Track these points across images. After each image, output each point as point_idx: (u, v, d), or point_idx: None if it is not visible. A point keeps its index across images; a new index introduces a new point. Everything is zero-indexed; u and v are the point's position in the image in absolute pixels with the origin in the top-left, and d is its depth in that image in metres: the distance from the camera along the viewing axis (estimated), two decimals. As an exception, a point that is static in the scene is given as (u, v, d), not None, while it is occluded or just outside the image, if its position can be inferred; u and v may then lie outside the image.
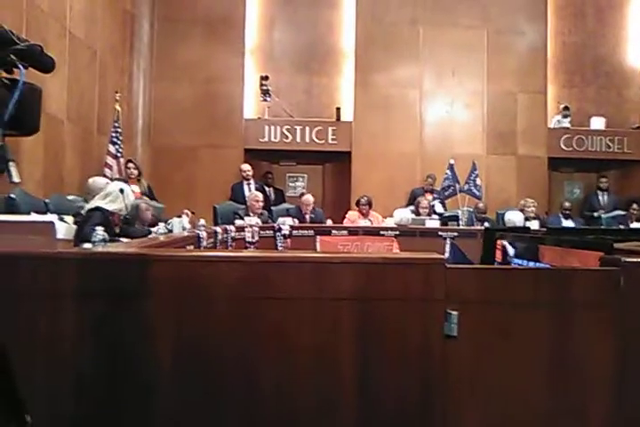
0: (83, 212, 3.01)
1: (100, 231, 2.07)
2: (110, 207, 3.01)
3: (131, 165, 6.26)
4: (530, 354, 1.74)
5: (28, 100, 1.04)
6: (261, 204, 5.96)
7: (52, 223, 1.90)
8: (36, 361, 1.39)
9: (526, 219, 6.18)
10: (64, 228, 1.99)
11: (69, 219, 2.35)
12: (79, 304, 1.65)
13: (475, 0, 8.18)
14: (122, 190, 3.12)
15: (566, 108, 8.28)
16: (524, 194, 7.41)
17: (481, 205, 6.90)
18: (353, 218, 6.36)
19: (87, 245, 2.16)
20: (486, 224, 6.17)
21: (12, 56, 1.00)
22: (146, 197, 5.84)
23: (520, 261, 2.95)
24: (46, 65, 1.12)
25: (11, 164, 0.93)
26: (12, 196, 3.90)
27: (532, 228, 4.83)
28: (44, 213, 2.70)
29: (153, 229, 3.86)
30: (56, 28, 5.46)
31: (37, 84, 1.10)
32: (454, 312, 1.68)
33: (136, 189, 5.71)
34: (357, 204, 6.55)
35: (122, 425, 1.65)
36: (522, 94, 8.29)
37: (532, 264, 2.80)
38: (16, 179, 0.93)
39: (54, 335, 1.63)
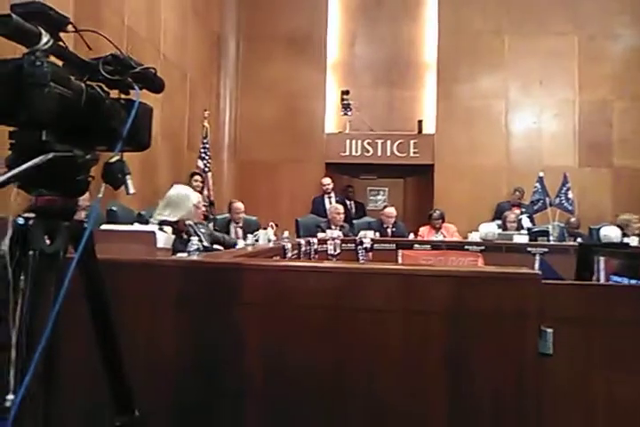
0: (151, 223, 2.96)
1: (195, 241, 2.18)
2: (174, 218, 2.96)
3: (197, 177, 6.48)
4: (633, 375, 1.64)
5: (142, 119, 1.14)
6: (342, 216, 6.00)
7: (152, 233, 2.03)
8: (138, 360, 1.49)
9: (624, 235, 5.79)
10: (164, 237, 2.11)
11: (169, 229, 2.49)
12: (177, 308, 1.75)
13: (564, 6, 7.86)
14: (184, 194, 3.06)
15: (670, 116, 7.72)
16: (620, 208, 6.96)
17: (573, 219, 6.55)
18: (424, 233, 6.24)
19: (182, 255, 2.28)
20: (579, 240, 5.84)
21: (130, 79, 1.10)
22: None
23: (619, 279, 2.77)
24: (157, 86, 1.22)
25: (128, 177, 1.02)
26: (113, 208, 4.20)
27: (631, 244, 4.52)
28: (146, 223, 2.87)
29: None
30: (151, 51, 5.84)
31: (149, 104, 1.20)
32: (549, 329, 1.61)
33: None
34: (429, 218, 6.39)
35: (213, 423, 1.72)
36: (619, 102, 7.82)
37: (633, 282, 2.63)
38: (132, 190, 1.02)
39: (154, 337, 1.73)
